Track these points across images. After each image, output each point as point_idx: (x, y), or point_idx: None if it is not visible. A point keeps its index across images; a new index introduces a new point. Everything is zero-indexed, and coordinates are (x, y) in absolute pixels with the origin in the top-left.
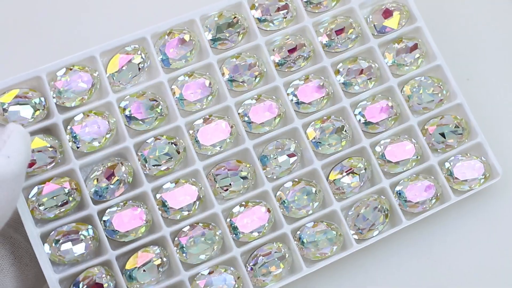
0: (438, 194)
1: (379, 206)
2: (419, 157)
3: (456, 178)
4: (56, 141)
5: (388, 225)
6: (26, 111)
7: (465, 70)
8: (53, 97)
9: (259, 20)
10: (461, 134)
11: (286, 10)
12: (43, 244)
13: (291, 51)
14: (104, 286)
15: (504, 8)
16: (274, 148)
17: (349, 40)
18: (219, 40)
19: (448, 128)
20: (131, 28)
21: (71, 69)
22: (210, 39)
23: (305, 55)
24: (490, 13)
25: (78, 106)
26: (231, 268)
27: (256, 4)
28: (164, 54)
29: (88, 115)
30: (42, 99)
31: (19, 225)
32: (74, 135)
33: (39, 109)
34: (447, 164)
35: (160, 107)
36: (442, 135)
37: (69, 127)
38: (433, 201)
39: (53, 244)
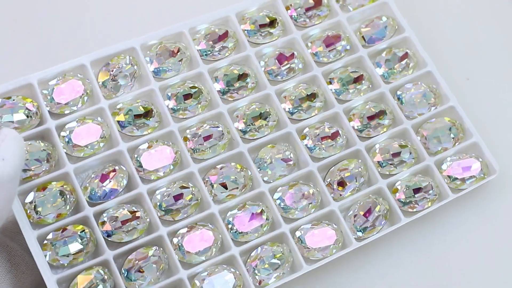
0: (436, 193)
1: (377, 207)
2: (414, 160)
3: (454, 177)
4: (50, 146)
5: (387, 224)
6: (19, 119)
7: (465, 70)
8: (46, 106)
9: (248, 34)
10: (456, 136)
11: (274, 25)
12: (41, 247)
13: (281, 62)
14: (102, 286)
15: (503, 9)
16: (269, 153)
17: (338, 52)
18: (209, 53)
19: (443, 131)
20: (120, 38)
21: (63, 77)
22: (200, 52)
23: (295, 67)
24: (490, 12)
25: (70, 113)
26: (231, 268)
27: (245, 18)
28: (155, 65)
29: (81, 122)
30: (35, 106)
31: (15, 234)
32: (68, 140)
33: (32, 116)
34: (443, 166)
35: (153, 115)
36: (437, 138)
37: (62, 133)
38: (431, 200)
39: (51, 247)
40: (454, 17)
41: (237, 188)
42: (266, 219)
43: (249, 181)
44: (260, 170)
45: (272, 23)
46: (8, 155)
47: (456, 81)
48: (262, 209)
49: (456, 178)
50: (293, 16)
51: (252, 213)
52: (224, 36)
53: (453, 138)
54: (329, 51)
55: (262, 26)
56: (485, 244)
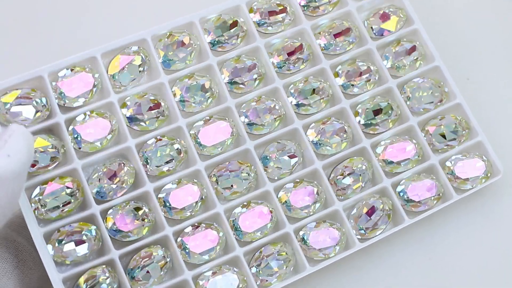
0: (440, 193)
1: (381, 206)
2: (420, 157)
3: (458, 177)
4: (58, 141)
5: (390, 224)
6: (28, 111)
7: (465, 70)
8: (55, 98)
9: (258, 23)
10: (462, 134)
11: (284, 14)
12: (46, 244)
13: (290, 53)
14: (107, 286)
15: (504, 8)
16: (275, 149)
17: (347, 43)
18: (219, 43)
19: (448, 128)
20: (131, 29)
21: (72, 70)
22: (210, 42)
23: (304, 58)
24: (490, 12)
25: (80, 107)
26: (235, 269)
27: (254, 8)
28: (165, 56)
29: (90, 116)
30: (44, 99)
31: (22, 229)
32: (76, 135)
33: (41, 109)
34: (448, 163)
35: (161, 108)
36: (443, 135)
37: (71, 127)
38: (435, 200)
39: (56, 244)
40: (454, 16)
41: (243, 185)
42: (271, 218)
43: (254, 180)
44: (265, 166)
45: (282, 10)
46: (14, 152)
47: (456, 82)
48: (267, 208)
49: (459, 178)
50: (302, 4)
51: (257, 212)
52: (234, 26)
53: (458, 136)
54: (337, 42)
55: (271, 13)
56: (488, 246)
